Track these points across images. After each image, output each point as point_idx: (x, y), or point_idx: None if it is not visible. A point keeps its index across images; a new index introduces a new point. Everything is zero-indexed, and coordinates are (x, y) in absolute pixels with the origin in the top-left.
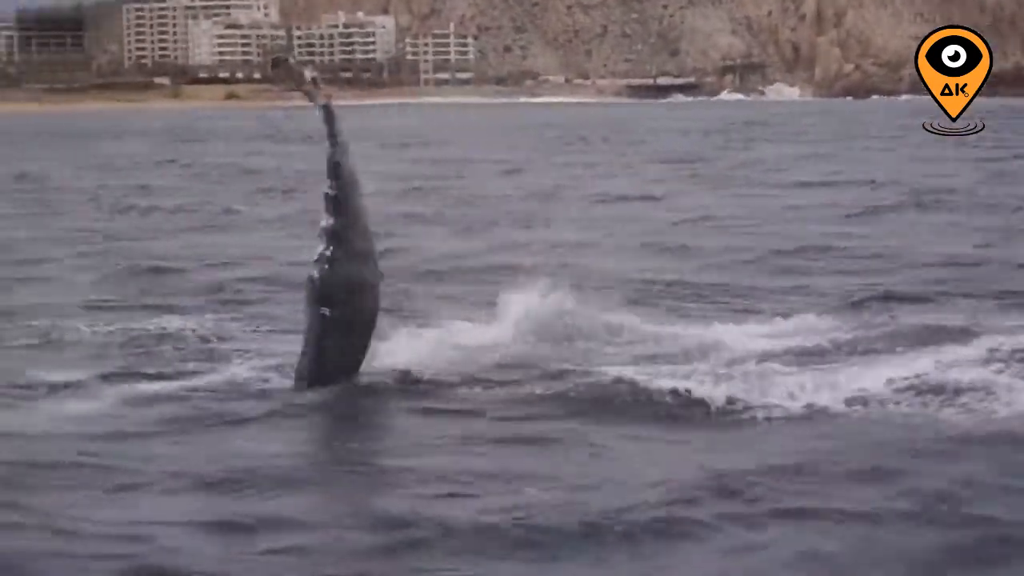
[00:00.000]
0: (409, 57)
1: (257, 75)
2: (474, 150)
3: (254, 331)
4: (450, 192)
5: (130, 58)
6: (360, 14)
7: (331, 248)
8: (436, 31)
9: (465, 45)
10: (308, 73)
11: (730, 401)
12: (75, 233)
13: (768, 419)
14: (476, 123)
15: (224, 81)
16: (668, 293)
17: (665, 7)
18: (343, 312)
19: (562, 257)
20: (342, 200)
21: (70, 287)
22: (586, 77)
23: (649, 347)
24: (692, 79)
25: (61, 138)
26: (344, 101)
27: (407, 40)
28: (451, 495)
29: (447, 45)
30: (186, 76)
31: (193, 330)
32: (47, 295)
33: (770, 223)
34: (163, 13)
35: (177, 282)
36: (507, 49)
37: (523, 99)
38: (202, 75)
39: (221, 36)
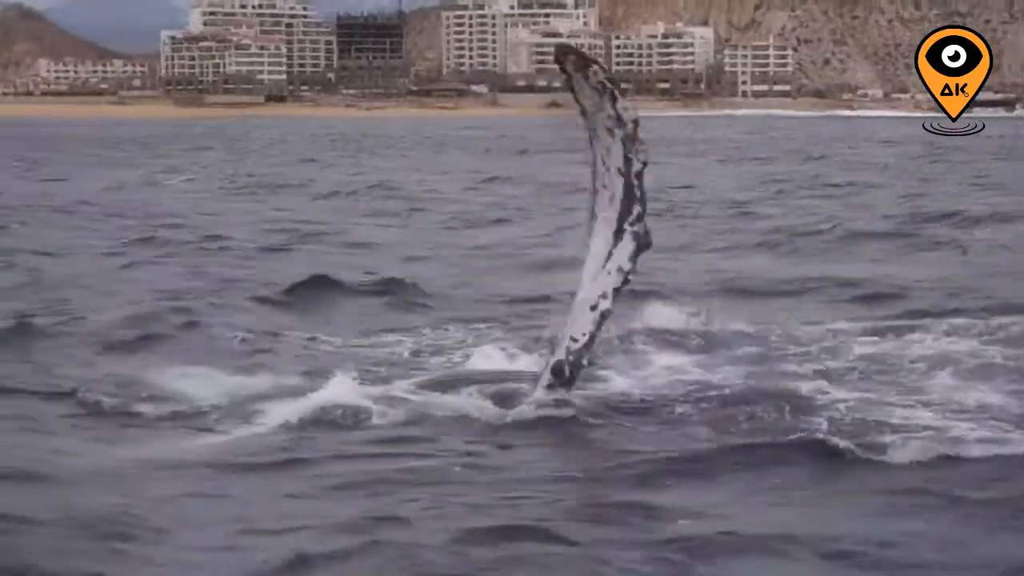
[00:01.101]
0: (727, 68)
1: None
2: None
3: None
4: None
5: (448, 65)
6: (679, 24)
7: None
8: (755, 43)
9: (784, 57)
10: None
11: None
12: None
13: None
14: (797, 136)
15: (539, 90)
16: None
17: (988, 21)
18: None
19: None
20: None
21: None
22: (905, 91)
23: None
24: (1012, 95)
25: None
26: (660, 112)
27: (726, 51)
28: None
29: (766, 57)
30: (503, 84)
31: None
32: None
33: None
34: (482, 21)
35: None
36: (826, 62)
37: (841, 112)
38: (519, 83)
39: (539, 45)
